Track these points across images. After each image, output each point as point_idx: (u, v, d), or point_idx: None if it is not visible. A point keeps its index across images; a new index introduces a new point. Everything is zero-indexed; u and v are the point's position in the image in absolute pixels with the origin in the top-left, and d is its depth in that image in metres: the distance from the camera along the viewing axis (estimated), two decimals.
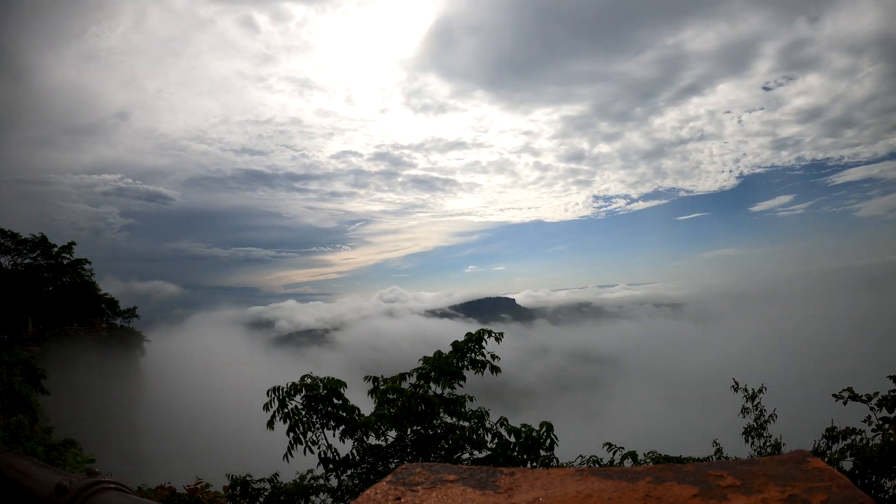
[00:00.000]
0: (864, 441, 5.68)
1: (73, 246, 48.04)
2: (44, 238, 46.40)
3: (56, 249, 46.76)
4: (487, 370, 6.92)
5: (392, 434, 6.92)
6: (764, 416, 6.95)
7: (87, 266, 49.55)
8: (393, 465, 6.67)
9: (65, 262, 47.51)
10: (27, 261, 45.69)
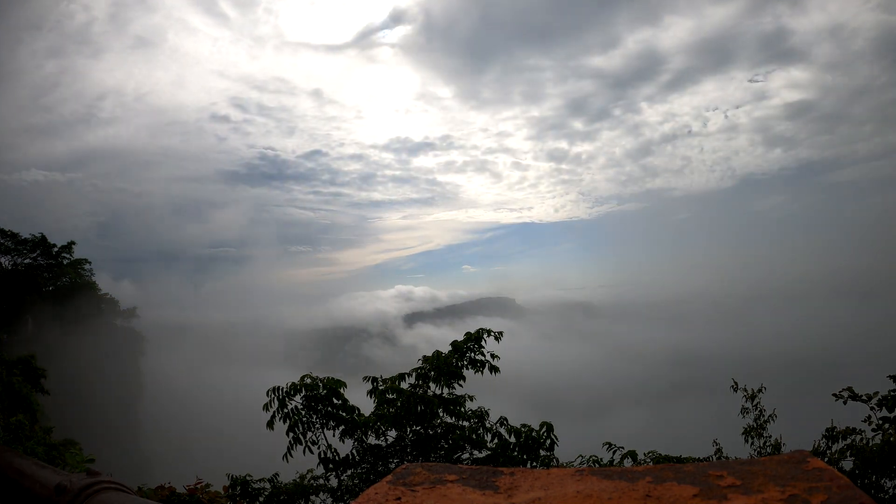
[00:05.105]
0: (864, 441, 5.69)
1: (73, 245, 48.12)
2: (44, 238, 46.40)
3: (56, 249, 46.79)
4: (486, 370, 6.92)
5: (392, 434, 6.92)
6: (763, 416, 6.96)
7: (87, 266, 49.63)
8: (393, 465, 6.67)
9: (65, 262, 47.54)
10: (27, 261, 45.70)
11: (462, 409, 6.83)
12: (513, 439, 6.61)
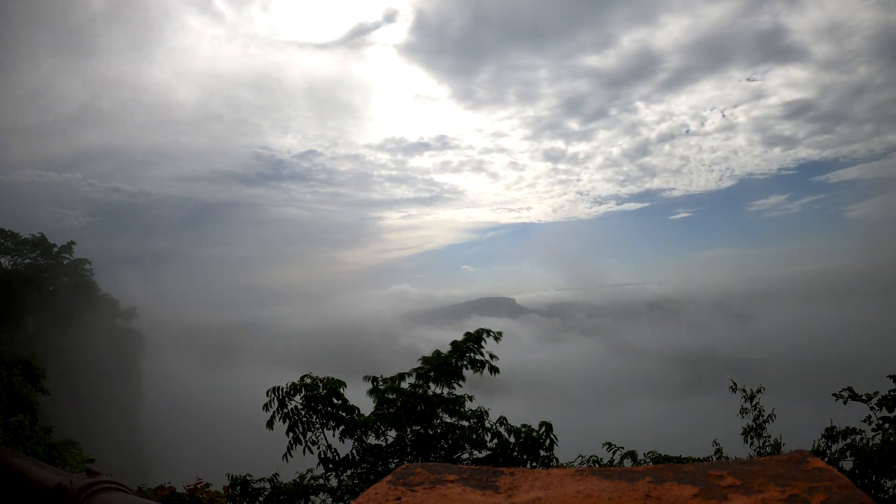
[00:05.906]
0: (864, 441, 5.69)
1: (73, 245, 48.10)
2: (43, 238, 46.42)
3: (56, 249, 46.77)
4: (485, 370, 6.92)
5: (392, 434, 6.92)
6: (763, 416, 6.95)
7: (87, 266, 49.62)
8: (393, 465, 6.67)
9: (65, 262, 47.52)
10: (27, 261, 45.69)
11: (462, 409, 6.83)
12: (512, 439, 6.61)
